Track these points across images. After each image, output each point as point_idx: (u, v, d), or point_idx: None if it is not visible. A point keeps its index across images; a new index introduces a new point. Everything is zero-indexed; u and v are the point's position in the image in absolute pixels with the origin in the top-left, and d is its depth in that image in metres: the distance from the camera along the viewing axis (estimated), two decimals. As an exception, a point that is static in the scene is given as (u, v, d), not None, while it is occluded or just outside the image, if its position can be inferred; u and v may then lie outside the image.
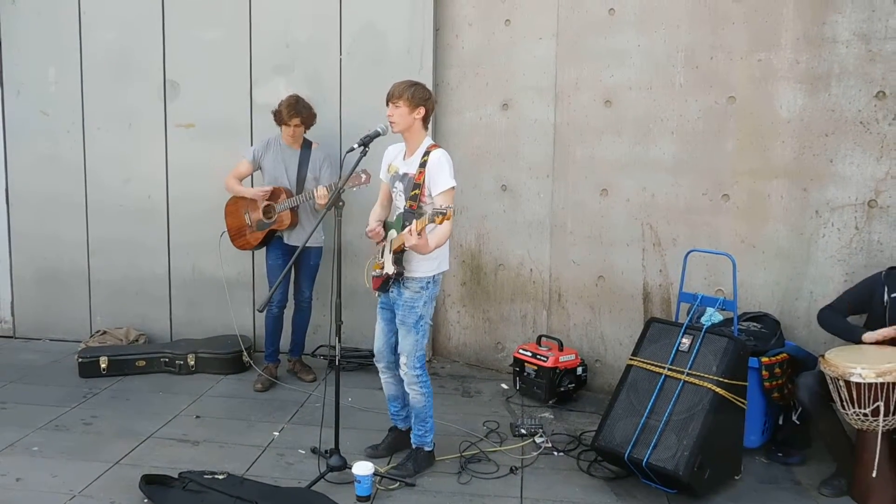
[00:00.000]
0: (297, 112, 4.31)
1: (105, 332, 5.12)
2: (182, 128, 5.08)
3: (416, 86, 3.24)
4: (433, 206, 3.04)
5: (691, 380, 3.19)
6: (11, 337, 5.43)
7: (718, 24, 4.12)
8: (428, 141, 3.31)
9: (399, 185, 3.30)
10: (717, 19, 4.12)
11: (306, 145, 4.46)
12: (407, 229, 3.06)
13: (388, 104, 3.23)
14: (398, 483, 3.25)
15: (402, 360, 3.33)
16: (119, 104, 5.13)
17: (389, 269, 3.21)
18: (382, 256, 3.32)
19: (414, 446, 3.44)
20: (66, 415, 4.00)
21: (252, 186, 4.67)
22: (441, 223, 2.96)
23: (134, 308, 5.25)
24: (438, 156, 3.21)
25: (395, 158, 3.39)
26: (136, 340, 5.10)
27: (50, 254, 5.31)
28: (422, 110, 3.24)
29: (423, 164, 3.21)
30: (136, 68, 5.08)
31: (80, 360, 4.62)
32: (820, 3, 3.89)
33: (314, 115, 4.44)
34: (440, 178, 3.17)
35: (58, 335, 5.32)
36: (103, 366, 4.60)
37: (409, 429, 3.52)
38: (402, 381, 3.43)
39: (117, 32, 5.08)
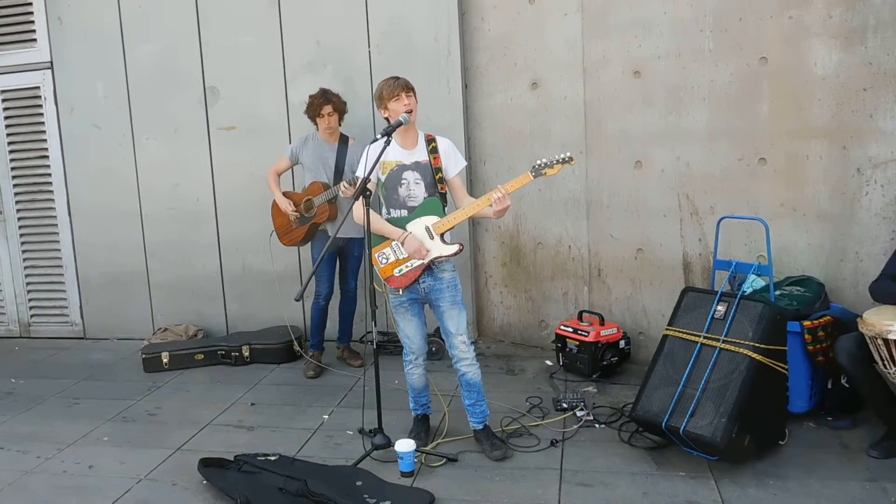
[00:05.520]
0: (327, 100, 4.45)
1: (166, 329, 5.41)
2: (224, 131, 5.30)
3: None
4: (554, 158, 3.25)
5: (727, 347, 3.16)
6: (82, 338, 5.81)
7: (746, -15, 4.04)
8: (421, 130, 3.42)
9: (410, 175, 3.32)
10: (744, -21, 4.04)
11: (343, 140, 4.57)
12: (499, 192, 3.17)
13: (403, 95, 3.29)
14: (443, 460, 3.33)
15: (461, 338, 3.31)
16: (164, 113, 5.38)
17: (447, 250, 3.26)
18: (396, 256, 3.29)
19: (483, 427, 3.44)
20: (132, 407, 4.27)
21: (293, 184, 4.86)
22: (558, 171, 3.22)
23: (191, 305, 5.52)
24: (447, 141, 3.44)
25: (387, 155, 3.28)
26: (195, 335, 5.36)
27: (111, 259, 5.63)
28: None
29: (433, 151, 3.35)
30: (178, 77, 5.31)
31: (143, 356, 4.91)
32: (853, -47, 3.76)
33: (344, 103, 4.56)
34: (459, 158, 3.42)
35: (123, 334, 5.66)
36: (165, 361, 4.87)
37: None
38: (427, 370, 3.51)
39: (157, 45, 5.33)
